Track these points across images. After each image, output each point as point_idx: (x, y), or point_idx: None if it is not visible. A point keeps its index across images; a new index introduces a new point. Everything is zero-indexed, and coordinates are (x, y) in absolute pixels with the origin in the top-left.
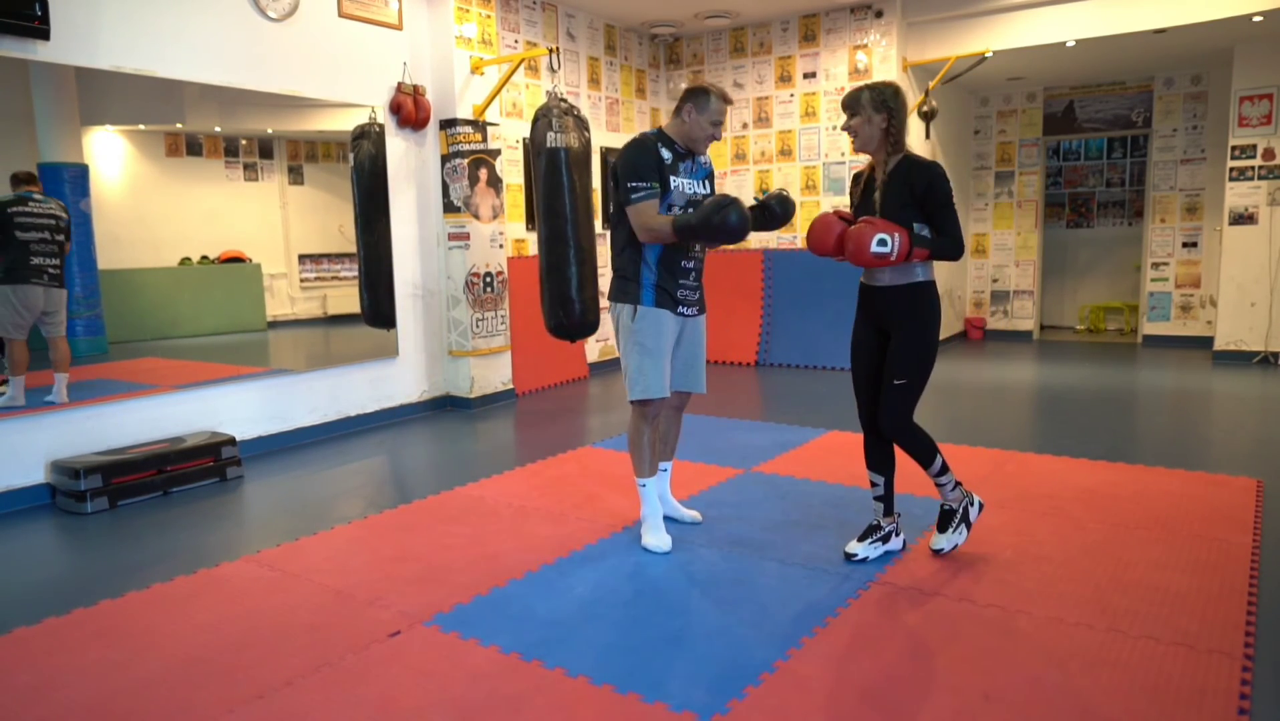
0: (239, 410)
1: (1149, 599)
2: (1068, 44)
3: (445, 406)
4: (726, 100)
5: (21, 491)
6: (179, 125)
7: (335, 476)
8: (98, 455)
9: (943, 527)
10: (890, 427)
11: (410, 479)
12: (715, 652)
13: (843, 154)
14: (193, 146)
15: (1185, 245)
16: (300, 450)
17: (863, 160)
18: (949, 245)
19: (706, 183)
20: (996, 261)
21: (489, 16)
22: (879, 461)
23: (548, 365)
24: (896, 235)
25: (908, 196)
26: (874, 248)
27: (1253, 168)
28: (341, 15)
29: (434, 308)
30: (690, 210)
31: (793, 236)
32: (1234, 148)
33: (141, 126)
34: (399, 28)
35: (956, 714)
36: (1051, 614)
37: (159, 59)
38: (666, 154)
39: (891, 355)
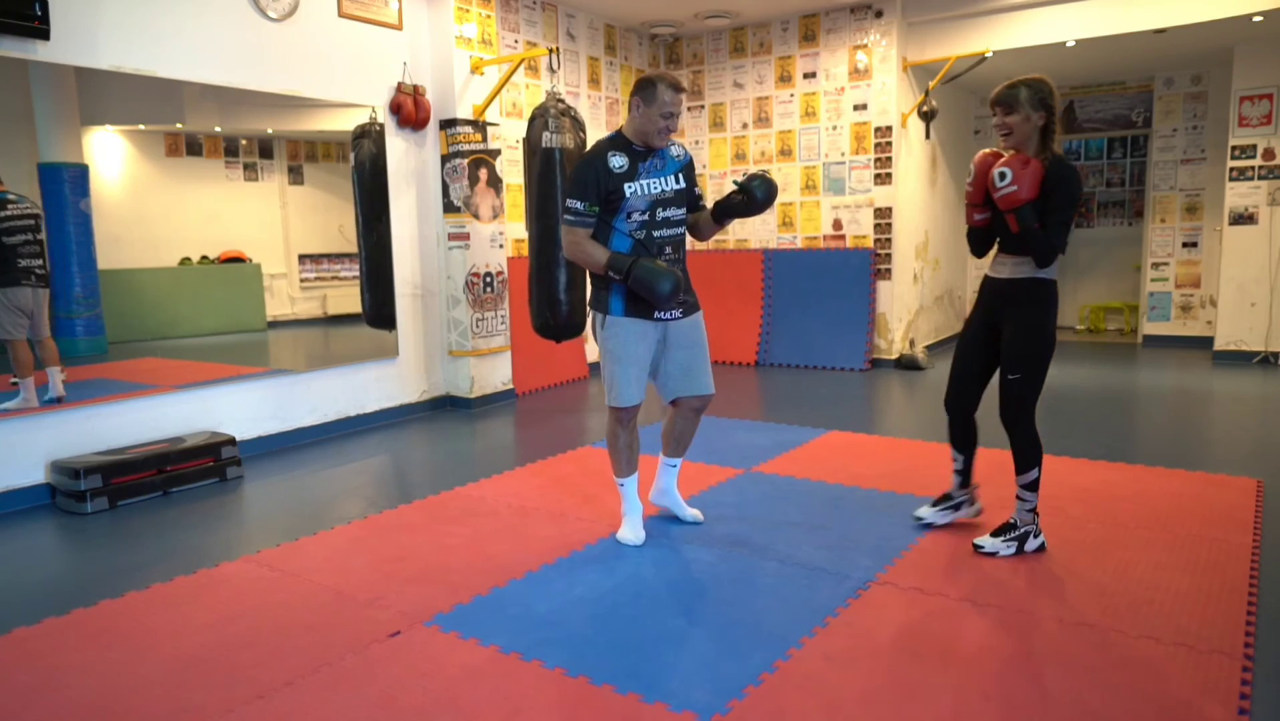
0: (239, 410)
1: (1149, 599)
2: (1068, 44)
3: (445, 406)
4: (677, 88)
5: (21, 491)
6: (179, 125)
7: (335, 476)
8: (98, 455)
9: (997, 533)
10: (1007, 419)
11: (410, 479)
12: (715, 652)
13: (843, 154)
14: (193, 146)
15: (1185, 245)
16: (300, 450)
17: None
18: (1039, 241)
19: (681, 176)
20: None
21: (489, 16)
22: (961, 441)
23: (548, 365)
24: (1016, 187)
25: (1040, 192)
26: (994, 172)
27: (1253, 168)
28: (341, 15)
29: (434, 308)
30: (652, 216)
31: (793, 236)
32: (1234, 148)
33: (141, 126)
34: (399, 28)
35: (956, 714)
36: (1051, 614)
37: (159, 59)
38: (620, 161)
39: (1005, 349)
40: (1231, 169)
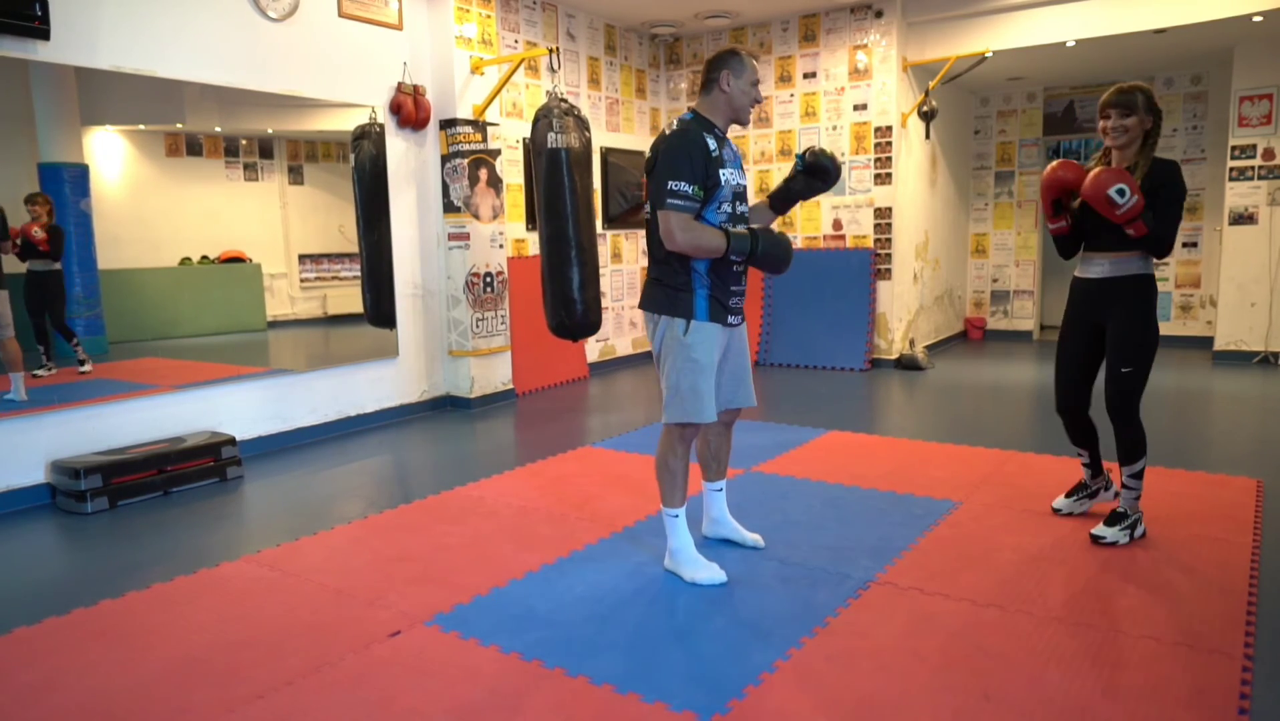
0: (239, 410)
1: (1149, 599)
2: (1068, 44)
3: (445, 406)
4: (754, 55)
5: (21, 491)
6: (179, 125)
7: (335, 476)
8: (98, 455)
9: (1111, 522)
10: (1116, 410)
11: (410, 479)
12: (715, 652)
13: (843, 154)
14: (193, 146)
15: (1185, 245)
16: (300, 450)
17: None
18: (1163, 239)
19: (742, 171)
20: (996, 261)
21: (489, 16)
22: (1082, 439)
23: (548, 365)
24: (1136, 196)
25: (1146, 189)
26: (1111, 191)
27: (1253, 168)
28: (341, 15)
29: (434, 308)
30: (733, 209)
31: (793, 236)
32: (1234, 148)
33: (141, 126)
34: (399, 28)
35: (956, 714)
36: (1051, 614)
37: (159, 59)
38: (713, 144)
39: (1117, 344)
40: (1231, 169)
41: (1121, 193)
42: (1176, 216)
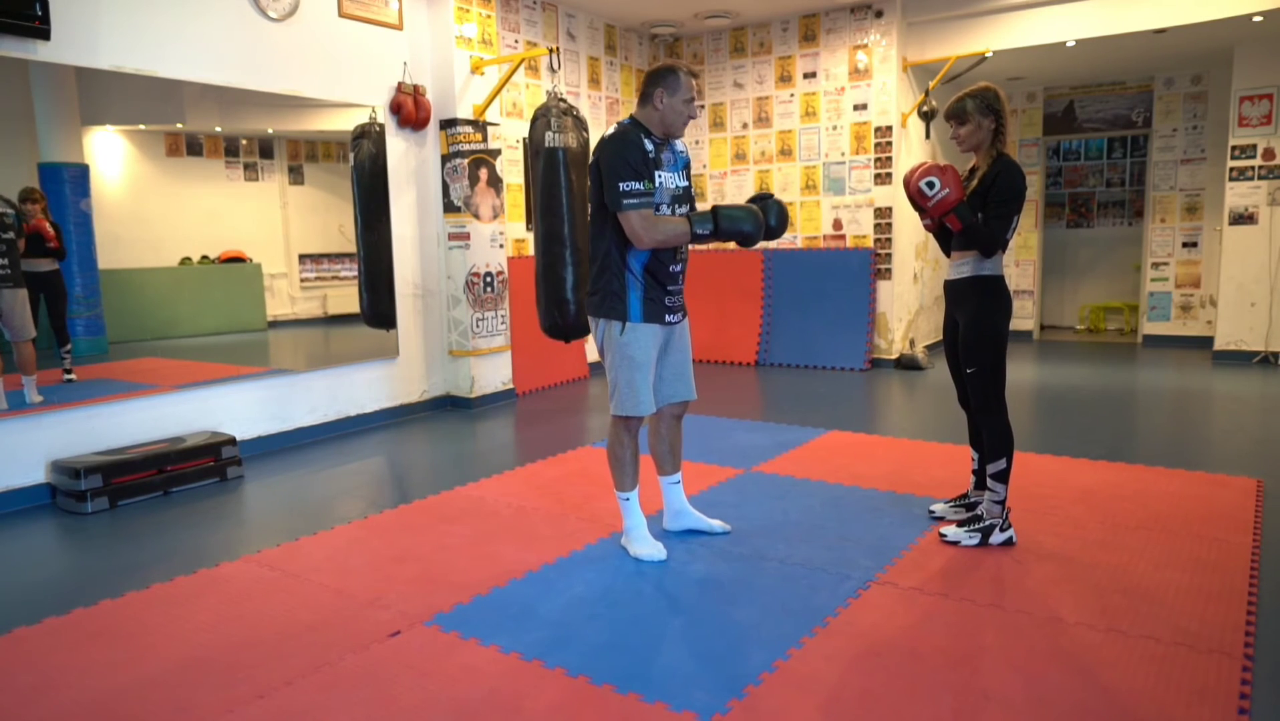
0: (239, 410)
1: (1149, 599)
2: (1068, 44)
3: (445, 406)
4: (693, 73)
5: (21, 491)
6: (179, 125)
7: (335, 476)
8: (98, 455)
9: (963, 524)
10: (978, 409)
11: (410, 479)
12: (715, 652)
13: (843, 154)
14: (193, 146)
15: (1185, 245)
16: (300, 450)
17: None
18: (980, 233)
19: (685, 174)
20: None
21: (489, 16)
22: (974, 439)
23: (548, 365)
24: (947, 190)
25: (982, 188)
26: (921, 183)
27: (1253, 168)
28: (342, 15)
29: (434, 307)
30: (679, 210)
31: (793, 237)
32: (1234, 148)
33: (141, 126)
34: (399, 28)
35: (956, 714)
36: (1051, 614)
37: (159, 59)
38: (650, 146)
39: (962, 346)
40: (1231, 169)
41: (930, 185)
42: (1004, 214)
